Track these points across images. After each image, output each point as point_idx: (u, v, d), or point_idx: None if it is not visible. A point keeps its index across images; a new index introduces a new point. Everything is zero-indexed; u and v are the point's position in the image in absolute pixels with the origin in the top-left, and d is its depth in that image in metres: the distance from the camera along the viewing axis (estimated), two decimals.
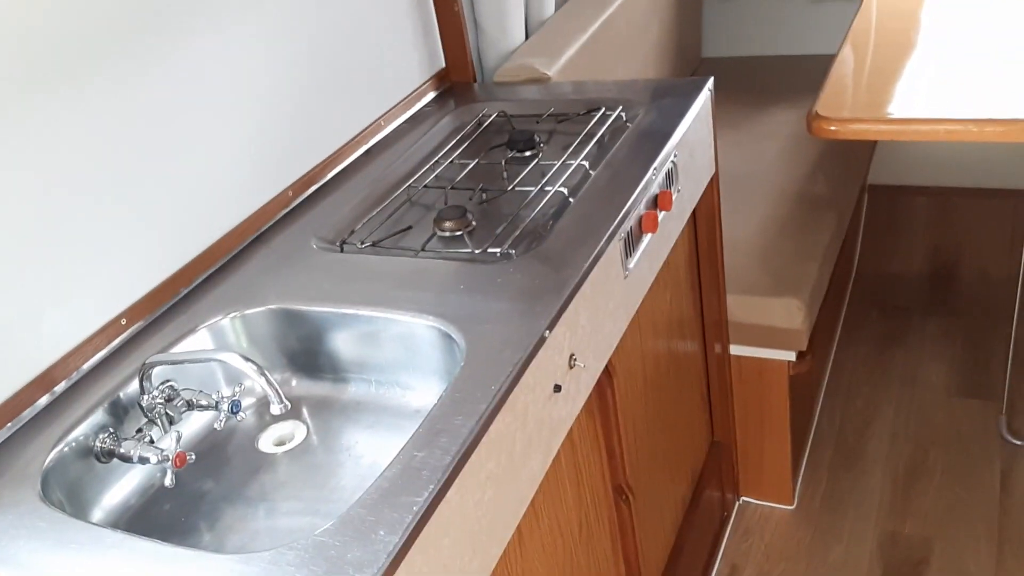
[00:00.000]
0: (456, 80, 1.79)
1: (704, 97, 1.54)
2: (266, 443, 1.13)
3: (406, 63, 1.67)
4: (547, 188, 1.35)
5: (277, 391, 0.96)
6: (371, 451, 1.10)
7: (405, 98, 1.66)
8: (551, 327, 1.05)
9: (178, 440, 1.02)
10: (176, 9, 1.19)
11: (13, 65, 1.00)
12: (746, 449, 1.94)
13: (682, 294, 1.61)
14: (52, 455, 0.99)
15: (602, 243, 1.18)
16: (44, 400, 1.06)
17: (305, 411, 1.17)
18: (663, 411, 1.55)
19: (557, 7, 2.04)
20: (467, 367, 1.00)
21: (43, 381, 1.06)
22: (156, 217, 1.19)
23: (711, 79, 1.57)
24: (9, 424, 1.03)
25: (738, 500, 2.01)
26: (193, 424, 1.14)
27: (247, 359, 0.96)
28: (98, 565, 0.84)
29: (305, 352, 1.19)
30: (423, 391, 1.15)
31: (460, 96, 1.73)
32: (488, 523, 0.95)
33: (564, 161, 1.42)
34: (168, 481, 1.00)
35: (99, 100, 1.10)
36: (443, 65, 1.77)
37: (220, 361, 0.99)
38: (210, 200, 1.27)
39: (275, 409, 0.97)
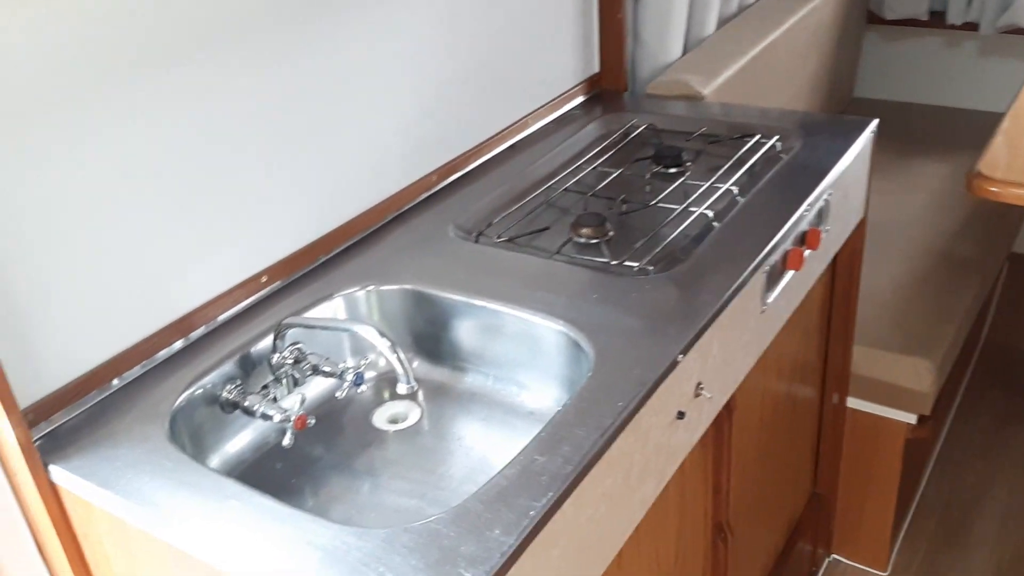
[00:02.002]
0: (607, 87, 1.77)
1: (866, 138, 1.48)
2: (380, 419, 1.14)
3: (561, 64, 1.66)
4: (692, 208, 1.32)
5: (407, 370, 0.96)
6: (481, 444, 1.10)
7: (555, 99, 1.66)
8: (685, 352, 1.03)
9: (302, 403, 1.03)
10: None
11: (191, 28, 1.04)
12: (846, 506, 1.87)
13: (810, 337, 1.55)
14: (182, 397, 1.02)
15: (746, 273, 1.15)
16: (179, 344, 1.09)
17: (421, 394, 1.17)
18: (772, 454, 1.50)
19: (718, 27, 2.00)
20: (594, 379, 0.98)
21: (181, 325, 1.09)
22: (308, 183, 1.21)
23: (875, 121, 1.51)
24: (145, 362, 1.06)
25: (829, 557, 1.94)
26: (313, 389, 1.15)
27: (383, 335, 0.97)
28: (216, 511, 0.86)
29: (431, 336, 1.19)
30: (539, 393, 1.14)
31: (609, 103, 1.72)
32: (596, 541, 0.93)
33: (712, 184, 1.38)
34: (287, 441, 1.02)
35: (272, 66, 1.13)
36: (597, 70, 1.75)
37: (355, 332, 0.99)
38: (360, 174, 1.28)
39: (402, 388, 0.97)
